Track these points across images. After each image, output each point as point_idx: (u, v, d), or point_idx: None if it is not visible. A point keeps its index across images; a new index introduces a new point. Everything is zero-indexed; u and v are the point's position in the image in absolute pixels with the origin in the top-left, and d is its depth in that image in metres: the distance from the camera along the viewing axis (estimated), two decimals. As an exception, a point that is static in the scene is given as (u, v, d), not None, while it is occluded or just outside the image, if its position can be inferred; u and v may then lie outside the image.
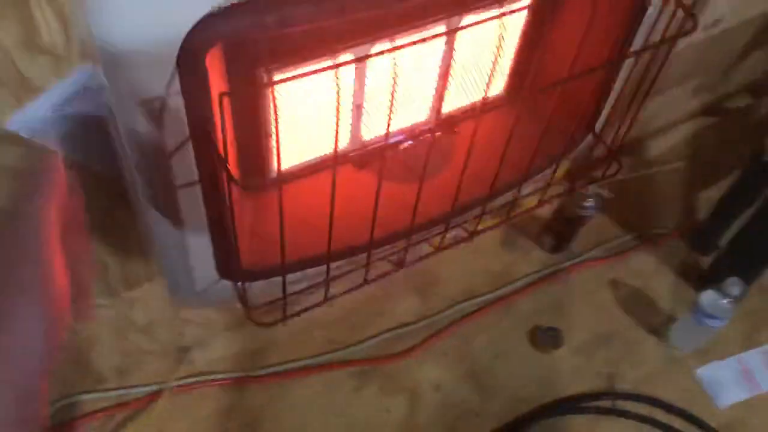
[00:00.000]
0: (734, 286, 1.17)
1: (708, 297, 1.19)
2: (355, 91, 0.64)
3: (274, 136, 0.60)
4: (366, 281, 0.68)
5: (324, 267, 0.68)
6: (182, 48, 0.43)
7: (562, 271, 1.35)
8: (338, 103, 0.46)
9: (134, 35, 0.42)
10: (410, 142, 0.70)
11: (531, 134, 0.72)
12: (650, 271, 1.37)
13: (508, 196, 0.85)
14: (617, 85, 0.72)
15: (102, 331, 1.02)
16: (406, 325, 1.27)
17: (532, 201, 1.34)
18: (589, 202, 1.24)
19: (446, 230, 0.70)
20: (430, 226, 0.71)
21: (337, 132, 0.50)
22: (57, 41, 0.56)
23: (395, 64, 0.47)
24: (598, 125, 0.77)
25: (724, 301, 1.17)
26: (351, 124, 0.68)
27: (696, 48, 1.28)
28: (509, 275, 1.35)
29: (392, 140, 0.71)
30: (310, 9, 0.44)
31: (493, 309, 1.30)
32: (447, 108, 0.68)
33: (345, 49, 0.56)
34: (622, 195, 1.46)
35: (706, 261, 1.36)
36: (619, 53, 0.65)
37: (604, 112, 0.75)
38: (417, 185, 0.71)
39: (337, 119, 0.48)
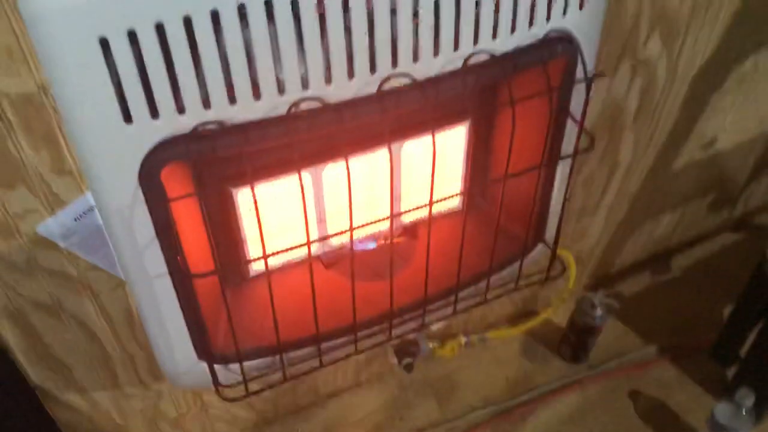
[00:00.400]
0: (747, 397, 1.16)
1: (722, 409, 1.18)
2: (313, 198, 0.77)
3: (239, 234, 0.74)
4: (321, 365, 0.78)
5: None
6: (140, 168, 0.59)
7: (580, 381, 1.37)
8: (259, 219, 0.59)
9: (104, 162, 0.58)
10: (367, 246, 0.82)
11: (483, 239, 0.82)
12: (672, 383, 1.37)
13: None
14: (557, 195, 0.82)
15: (136, 421, 1.15)
16: (425, 429, 1.32)
17: (547, 312, 1.40)
18: (597, 312, 1.29)
19: (390, 327, 0.79)
20: (382, 320, 0.80)
21: (263, 240, 0.63)
22: (78, 166, 0.74)
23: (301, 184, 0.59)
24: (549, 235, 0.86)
25: (739, 413, 1.16)
26: (312, 227, 0.81)
27: (697, 165, 1.35)
28: (528, 383, 1.38)
29: (358, 246, 0.83)
30: (235, 139, 0.58)
31: (511, 417, 1.33)
32: (405, 213, 0.79)
33: (278, 167, 0.70)
34: (644, 307, 1.48)
35: (730, 373, 1.35)
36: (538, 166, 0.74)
37: (551, 220, 0.84)
38: (376, 283, 0.82)
39: (261, 230, 0.61)
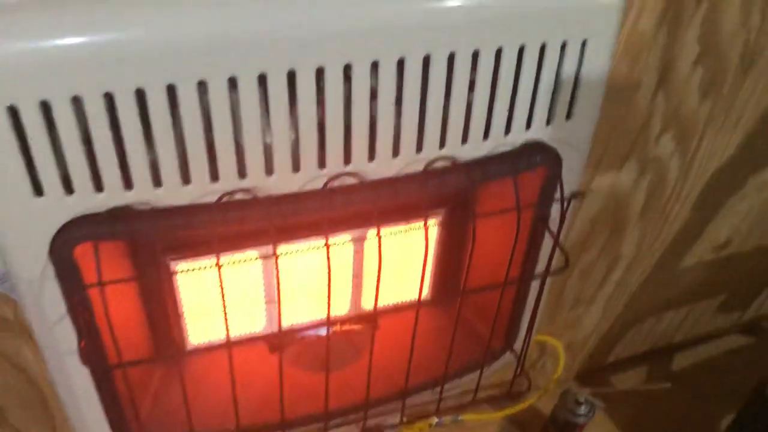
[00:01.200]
0: None
1: None
2: (263, 278, 0.71)
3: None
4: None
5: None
6: (51, 244, 0.53)
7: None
8: (180, 306, 0.53)
9: (11, 232, 0.52)
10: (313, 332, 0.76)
11: (447, 340, 0.75)
12: (656, 494, 1.27)
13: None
14: (528, 307, 0.75)
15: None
16: None
17: (530, 400, 1.32)
18: (580, 409, 1.20)
19: (326, 429, 0.72)
20: (320, 419, 0.74)
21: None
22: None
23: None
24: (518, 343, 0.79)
25: None
26: (260, 309, 0.75)
27: (708, 266, 1.26)
28: (501, 473, 1.30)
29: (309, 332, 0.77)
30: (156, 224, 0.52)
31: (478, 507, 1.25)
32: (365, 303, 0.72)
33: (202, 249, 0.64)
34: (637, 405, 1.39)
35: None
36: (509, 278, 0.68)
37: (522, 330, 0.77)
38: (322, 374, 0.75)
39: (180, 319, 0.55)
